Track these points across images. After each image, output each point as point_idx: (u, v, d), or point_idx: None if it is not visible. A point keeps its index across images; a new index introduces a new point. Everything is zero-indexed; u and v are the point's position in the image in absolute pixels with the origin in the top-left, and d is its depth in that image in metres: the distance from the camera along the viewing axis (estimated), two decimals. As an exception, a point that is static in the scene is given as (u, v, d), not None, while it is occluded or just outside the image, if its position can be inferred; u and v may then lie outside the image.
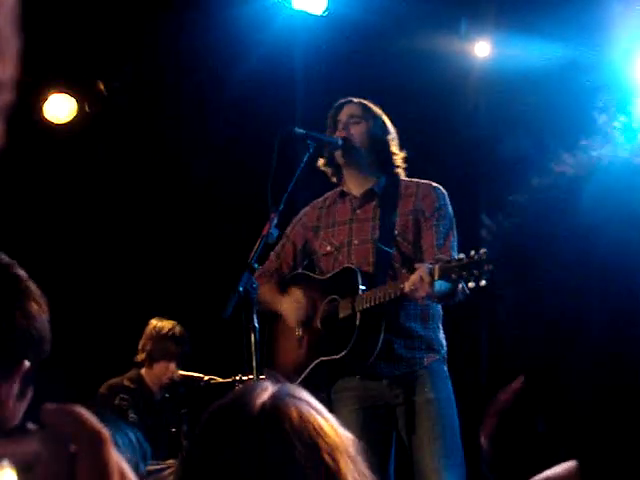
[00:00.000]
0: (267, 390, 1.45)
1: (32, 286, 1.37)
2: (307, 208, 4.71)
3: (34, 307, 1.39)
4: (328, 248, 4.51)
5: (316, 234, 4.58)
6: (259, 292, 4.55)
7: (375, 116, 4.53)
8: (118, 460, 0.82)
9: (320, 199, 4.69)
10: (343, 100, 4.60)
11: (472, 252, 3.81)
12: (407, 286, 4.00)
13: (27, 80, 6.54)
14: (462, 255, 3.85)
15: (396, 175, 4.51)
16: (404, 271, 4.29)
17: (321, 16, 6.44)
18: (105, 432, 0.82)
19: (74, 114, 6.89)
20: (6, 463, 0.78)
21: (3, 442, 0.78)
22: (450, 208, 4.39)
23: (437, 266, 3.93)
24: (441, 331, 4.39)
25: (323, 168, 4.60)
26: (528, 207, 0.97)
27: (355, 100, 4.58)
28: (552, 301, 0.91)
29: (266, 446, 1.37)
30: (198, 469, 1.40)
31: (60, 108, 6.87)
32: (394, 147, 4.53)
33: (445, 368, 4.35)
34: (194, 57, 6.65)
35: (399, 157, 4.53)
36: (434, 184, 4.47)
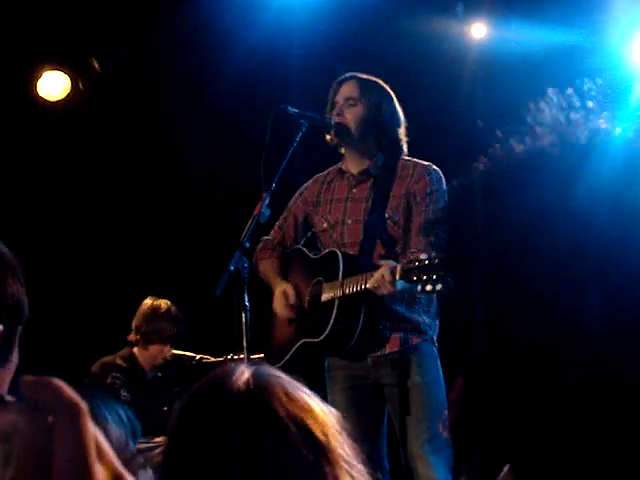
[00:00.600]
0: (246, 371, 1.44)
1: (5, 253, 1.36)
2: (309, 182, 4.70)
3: (6, 273, 1.38)
4: (324, 225, 4.51)
5: (315, 209, 4.58)
6: (260, 268, 4.59)
7: (373, 96, 4.47)
8: (95, 432, 0.81)
9: (322, 173, 4.68)
10: (344, 76, 4.54)
11: (433, 254, 3.83)
12: (370, 283, 4.05)
13: (21, 56, 6.53)
14: (424, 256, 3.87)
15: (395, 155, 4.48)
16: (392, 254, 4.29)
17: (317, -4, 6.41)
18: (83, 404, 0.82)
19: (68, 91, 6.85)
20: None
21: None
22: (443, 191, 4.37)
23: (399, 266, 3.98)
24: (430, 315, 4.38)
25: (331, 143, 4.53)
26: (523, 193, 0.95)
27: (355, 77, 4.51)
28: (547, 288, 0.90)
29: (257, 425, 1.36)
30: (185, 452, 1.38)
31: (54, 85, 6.83)
32: (394, 126, 4.49)
33: (434, 349, 4.35)
34: (190, 36, 6.63)
35: (401, 135, 4.49)
36: (431, 167, 4.43)
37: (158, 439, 4.71)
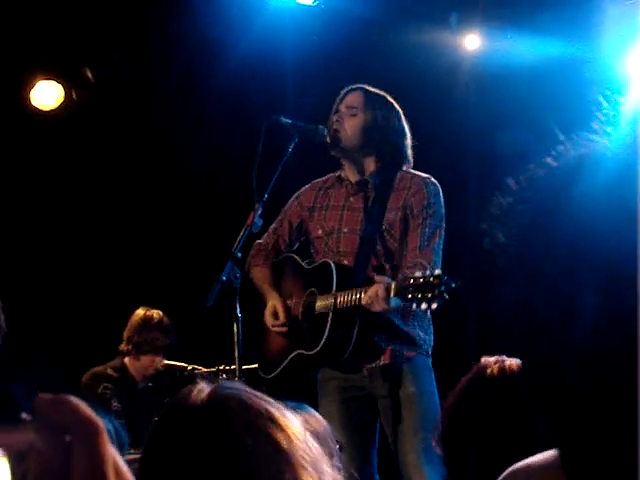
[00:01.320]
0: (206, 387, 1.46)
1: None
2: (307, 187, 4.69)
3: None
4: (320, 232, 4.51)
5: (311, 215, 4.57)
6: (253, 273, 4.58)
7: (377, 108, 4.47)
8: (112, 451, 0.81)
9: (321, 179, 4.67)
10: (351, 86, 4.55)
11: (427, 272, 3.82)
12: (364, 299, 4.04)
13: (15, 66, 6.52)
14: (419, 273, 3.85)
15: (395, 167, 4.47)
16: (387, 266, 4.29)
17: (311, 6, 6.42)
18: (100, 423, 0.81)
19: (61, 101, 6.85)
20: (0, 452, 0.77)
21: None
22: (441, 205, 4.37)
23: (394, 284, 3.95)
24: (424, 328, 4.36)
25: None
26: (520, 206, 0.95)
27: (362, 88, 4.53)
28: (548, 294, 0.90)
29: (213, 436, 1.38)
30: (154, 468, 1.41)
31: (47, 95, 6.83)
32: (399, 139, 4.48)
33: (429, 362, 4.34)
34: (183, 45, 6.63)
35: (405, 148, 4.48)
36: (429, 179, 4.42)
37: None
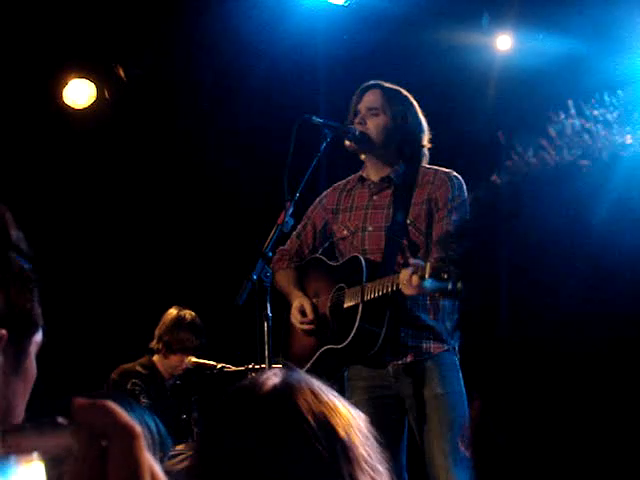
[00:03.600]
0: (278, 375, 1.48)
1: (12, 260, 1.36)
2: (329, 190, 4.69)
3: (11, 282, 1.39)
4: (345, 232, 4.50)
5: (335, 217, 4.57)
6: (277, 277, 4.58)
7: (396, 105, 4.47)
8: (149, 456, 0.81)
9: (342, 182, 4.67)
10: (366, 85, 4.53)
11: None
12: (399, 281, 4.01)
13: (47, 65, 6.56)
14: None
15: (416, 163, 4.47)
16: (414, 260, 4.27)
17: (343, 6, 6.42)
18: (137, 428, 0.81)
19: (93, 99, 6.89)
20: (36, 456, 0.78)
21: (34, 435, 0.77)
22: (465, 197, 4.36)
23: (428, 264, 3.91)
24: (453, 323, 4.35)
25: (350, 148, 4.52)
26: (538, 212, 0.93)
27: (378, 85, 4.51)
28: (562, 304, 0.88)
29: (279, 424, 1.39)
30: (213, 454, 1.41)
31: (79, 93, 6.87)
32: (418, 134, 4.49)
33: (456, 360, 4.31)
34: (215, 46, 6.65)
35: (424, 143, 4.48)
36: (452, 173, 4.42)
37: (177, 447, 4.72)
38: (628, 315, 0.86)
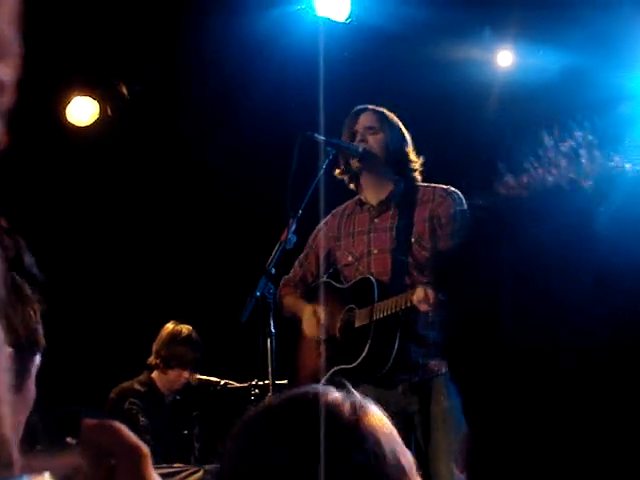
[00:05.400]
0: (342, 397, 1.43)
1: (16, 280, 1.38)
2: (328, 217, 4.69)
3: (16, 300, 1.40)
4: (349, 259, 4.51)
5: (338, 244, 4.57)
6: (284, 302, 4.58)
7: (391, 125, 4.51)
8: (155, 475, 0.82)
9: (340, 207, 4.68)
10: (359, 107, 4.58)
11: None
12: (414, 299, 4.03)
13: (51, 82, 6.58)
14: None
15: (413, 181, 4.50)
16: (422, 278, 4.28)
17: (344, 23, 6.44)
18: (144, 447, 0.83)
19: (96, 117, 6.91)
20: (47, 475, 0.79)
21: (44, 455, 0.79)
22: (466, 212, 4.36)
23: None
24: None
25: (340, 177, 4.58)
26: (542, 231, 0.94)
27: (371, 108, 4.55)
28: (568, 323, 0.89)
29: (358, 455, 1.35)
30: (252, 473, 1.35)
31: (83, 111, 6.89)
32: (411, 154, 4.51)
33: None
34: (217, 62, 6.67)
35: (417, 163, 4.51)
36: (450, 189, 4.44)
37: (178, 464, 4.71)
38: (632, 325, 0.87)
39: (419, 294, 4.00)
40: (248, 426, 1.41)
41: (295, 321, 4.57)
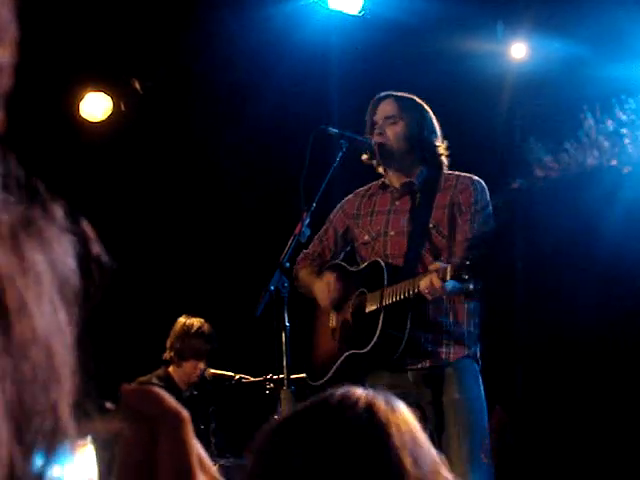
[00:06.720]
0: (369, 399, 1.43)
1: None
2: (350, 195, 4.70)
3: None
4: (366, 237, 4.50)
5: (356, 222, 4.57)
6: (300, 276, 4.60)
7: (412, 112, 4.48)
8: (196, 442, 0.83)
9: (363, 188, 4.67)
10: (380, 95, 4.55)
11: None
12: (421, 285, 4.03)
13: (64, 78, 6.60)
14: (475, 252, 3.87)
15: (437, 167, 4.48)
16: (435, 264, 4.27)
17: (357, 16, 6.43)
18: (185, 413, 0.83)
19: (109, 113, 6.93)
20: (89, 440, 0.79)
21: (85, 420, 0.79)
22: (488, 201, 4.37)
23: (449, 267, 3.94)
24: (474, 328, 4.33)
25: (367, 162, 4.56)
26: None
27: (391, 95, 4.52)
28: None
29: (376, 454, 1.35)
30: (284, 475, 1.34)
31: (96, 107, 6.91)
32: (435, 139, 4.50)
33: (476, 367, 4.30)
34: (229, 57, 6.67)
35: (441, 148, 4.49)
36: (474, 177, 4.43)
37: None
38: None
39: (425, 282, 4.00)
40: (275, 430, 1.40)
41: (309, 315, 4.58)
